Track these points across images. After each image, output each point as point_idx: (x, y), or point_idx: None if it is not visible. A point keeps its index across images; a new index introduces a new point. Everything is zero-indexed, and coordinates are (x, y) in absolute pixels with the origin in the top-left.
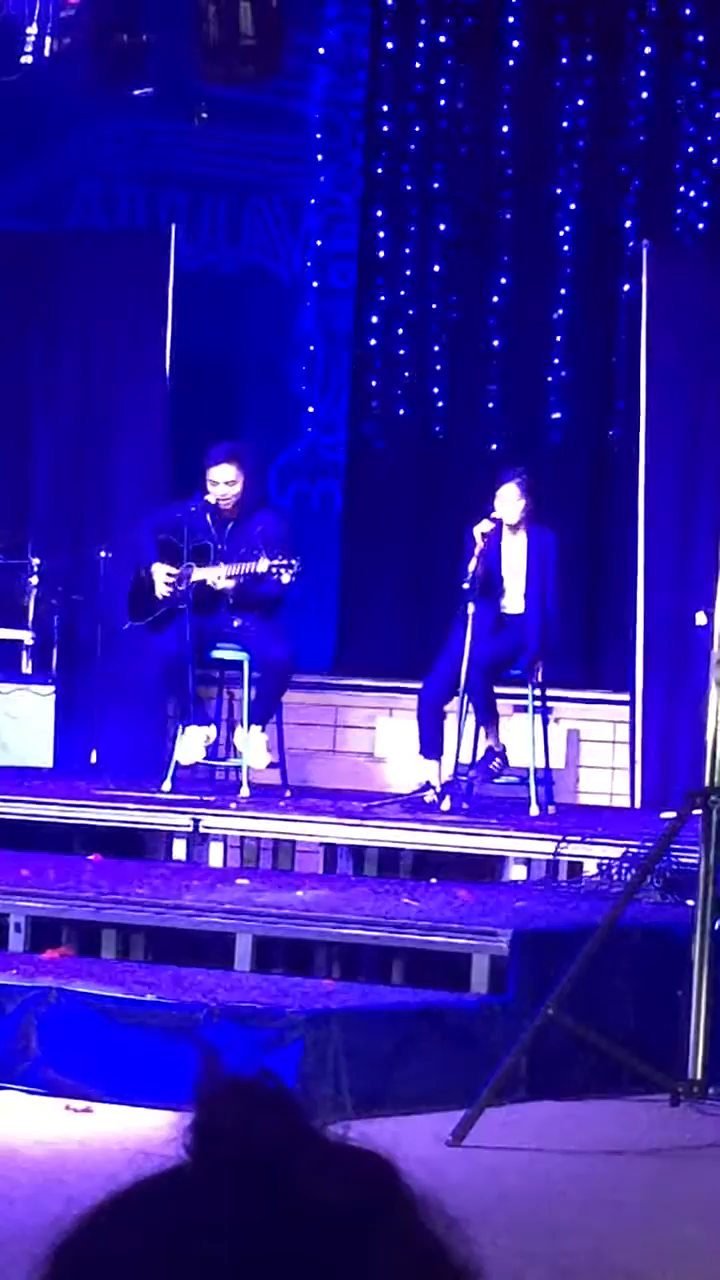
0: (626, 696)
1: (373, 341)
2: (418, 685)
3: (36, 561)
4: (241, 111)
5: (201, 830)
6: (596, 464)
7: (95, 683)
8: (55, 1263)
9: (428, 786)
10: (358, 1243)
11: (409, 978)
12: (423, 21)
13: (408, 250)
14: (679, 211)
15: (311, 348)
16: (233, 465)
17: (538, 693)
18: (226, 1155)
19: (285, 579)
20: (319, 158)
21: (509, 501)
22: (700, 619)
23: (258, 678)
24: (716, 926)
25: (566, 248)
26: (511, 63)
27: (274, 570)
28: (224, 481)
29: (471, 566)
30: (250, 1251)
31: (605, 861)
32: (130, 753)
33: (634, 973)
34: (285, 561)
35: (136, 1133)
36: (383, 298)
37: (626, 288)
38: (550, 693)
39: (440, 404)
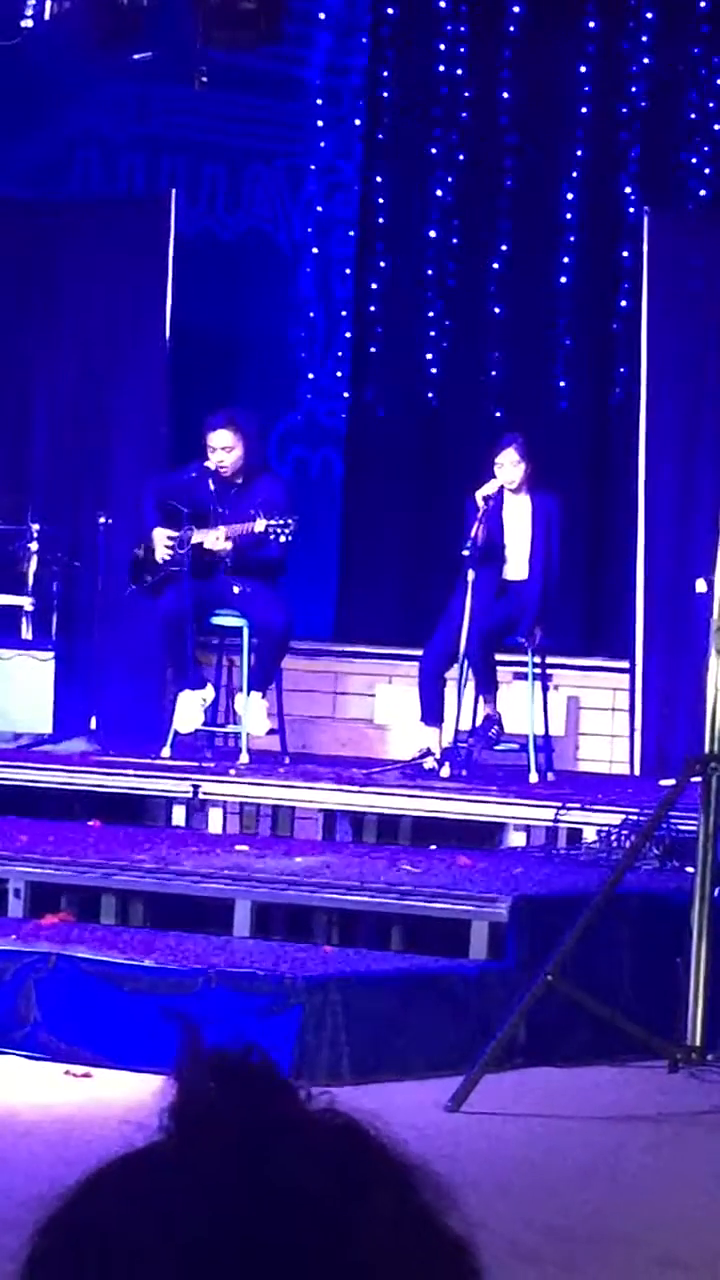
0: (626, 664)
1: (373, 308)
2: (418, 652)
3: (36, 527)
4: (242, 76)
5: (201, 796)
6: (598, 431)
7: (95, 649)
8: (39, 1240)
9: (427, 753)
10: (338, 1219)
11: (408, 944)
12: None
13: (409, 217)
14: (680, 178)
15: (312, 314)
16: (229, 431)
17: (537, 660)
18: (204, 1133)
19: (283, 539)
20: (320, 123)
21: (509, 465)
22: (700, 586)
23: (256, 644)
24: (715, 893)
25: (568, 214)
26: (513, 29)
27: (270, 531)
28: (221, 447)
29: (475, 532)
30: (229, 1230)
31: (604, 828)
32: (130, 719)
33: (633, 939)
34: (281, 522)
35: (135, 1098)
36: (383, 264)
37: (626, 254)
38: (550, 660)
39: (441, 371)
